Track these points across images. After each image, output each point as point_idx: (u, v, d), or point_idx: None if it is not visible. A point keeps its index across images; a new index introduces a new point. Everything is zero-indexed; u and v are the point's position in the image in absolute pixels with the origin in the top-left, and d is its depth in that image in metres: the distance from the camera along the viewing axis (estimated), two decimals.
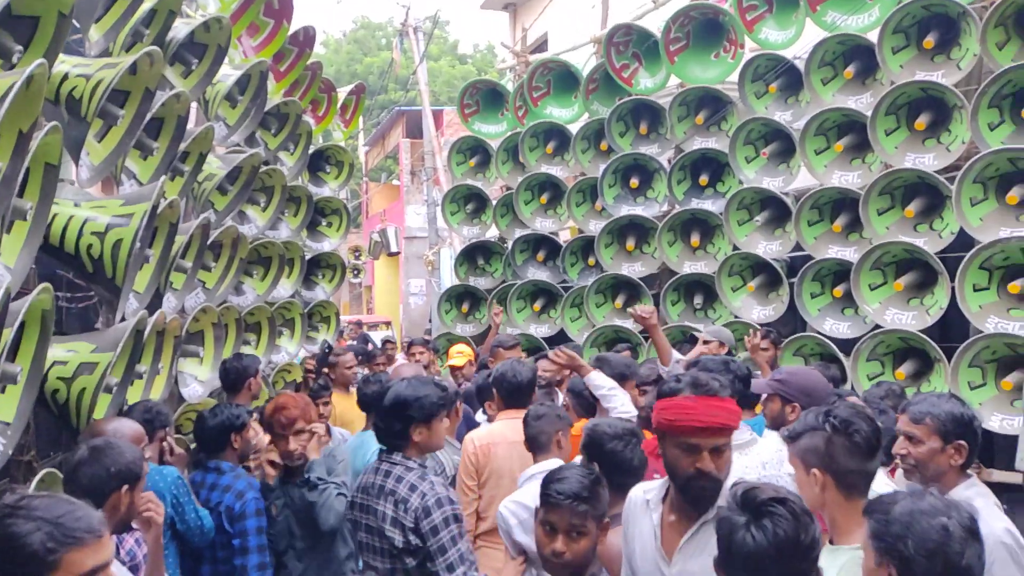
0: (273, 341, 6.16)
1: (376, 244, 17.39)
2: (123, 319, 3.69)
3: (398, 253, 16.68)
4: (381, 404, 2.77)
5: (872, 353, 5.18)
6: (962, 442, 2.19)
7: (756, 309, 6.09)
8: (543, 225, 7.67)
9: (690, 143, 6.53)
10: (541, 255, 7.67)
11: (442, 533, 2.56)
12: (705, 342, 5.61)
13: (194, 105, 4.84)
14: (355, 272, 26.34)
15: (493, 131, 8.29)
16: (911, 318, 5.03)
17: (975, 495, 2.18)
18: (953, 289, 4.67)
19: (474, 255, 8.30)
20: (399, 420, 2.70)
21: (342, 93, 7.86)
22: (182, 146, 4.19)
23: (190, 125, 4.37)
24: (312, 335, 7.89)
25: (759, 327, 5.91)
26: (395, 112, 22.08)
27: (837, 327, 5.52)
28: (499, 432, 3.64)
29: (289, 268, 7.12)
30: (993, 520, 2.10)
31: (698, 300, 6.54)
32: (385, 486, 2.68)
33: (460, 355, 6.27)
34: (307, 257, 7.69)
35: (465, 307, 8.32)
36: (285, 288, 7.10)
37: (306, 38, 6.17)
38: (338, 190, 8.23)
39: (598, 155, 7.23)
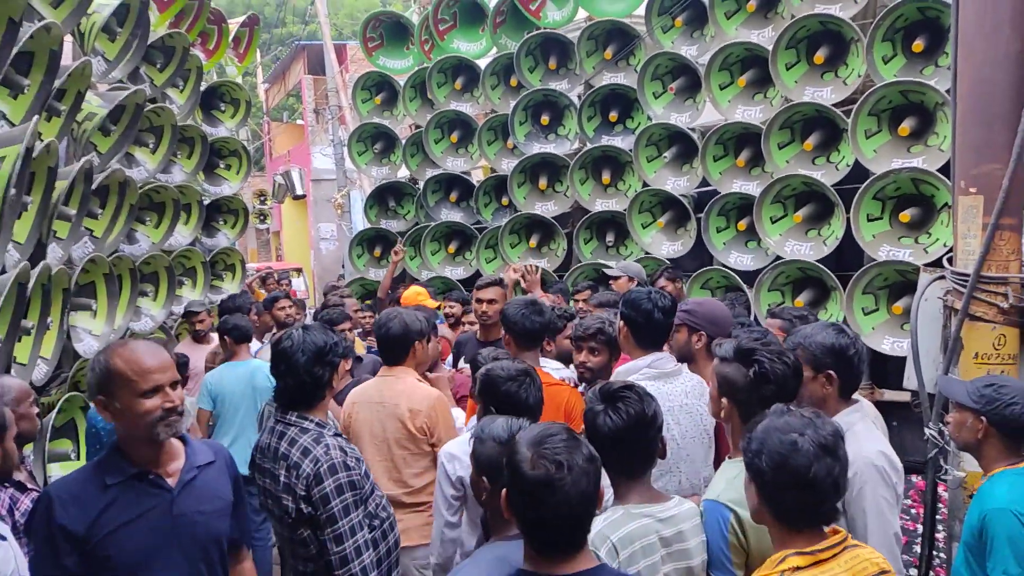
0: (173, 292, 5.89)
1: (280, 187, 16.73)
2: (3, 271, 3.43)
3: (304, 196, 16.11)
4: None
5: (773, 283, 5.39)
6: (831, 372, 2.28)
7: (666, 245, 6.22)
8: (455, 165, 7.54)
9: (599, 78, 6.49)
10: (454, 196, 7.56)
11: (333, 502, 2.38)
12: (614, 278, 5.73)
13: (68, 38, 4.44)
14: (261, 217, 25.44)
15: (399, 66, 8.02)
16: (809, 248, 5.24)
17: (857, 419, 2.30)
18: (848, 220, 4.87)
19: (384, 197, 8.10)
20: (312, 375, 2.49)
21: (234, 25, 7.41)
22: (57, 83, 3.85)
23: (65, 60, 4.01)
24: (217, 284, 7.59)
25: (668, 262, 6.07)
26: (295, 47, 21.04)
27: (741, 259, 5.71)
28: (364, 392, 3.38)
29: (186, 214, 6.77)
30: (868, 443, 2.23)
31: (610, 238, 6.62)
32: (279, 449, 2.48)
33: (420, 296, 6.11)
34: (206, 202, 7.36)
35: (378, 251, 8.16)
36: (184, 235, 6.77)
37: None
38: (236, 130, 7.84)
39: (508, 91, 7.11)
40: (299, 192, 15.02)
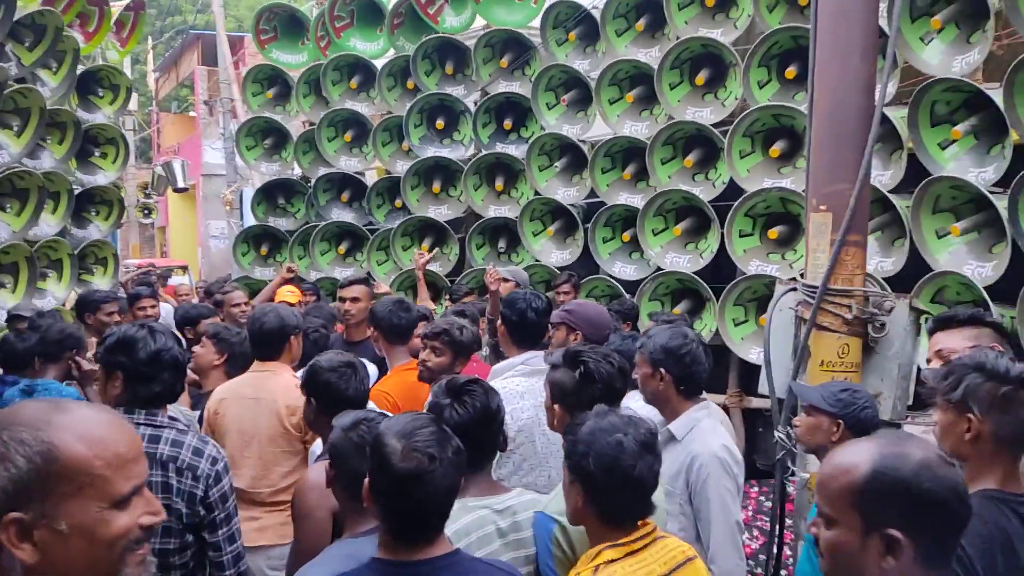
0: (33, 284, 5.50)
1: (160, 179, 15.90)
2: None
3: (186, 189, 15.35)
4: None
5: (654, 293, 5.59)
6: (662, 369, 2.41)
7: (555, 253, 6.33)
8: (348, 164, 7.41)
9: (495, 86, 6.56)
10: (346, 196, 7.43)
11: (229, 501, 2.30)
12: (504, 280, 5.78)
13: None
14: (145, 211, 24.14)
15: (293, 61, 7.81)
16: (687, 261, 5.47)
17: (703, 416, 2.43)
18: (723, 234, 5.12)
19: (274, 194, 7.86)
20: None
21: (117, 8, 7.02)
22: None
23: None
24: (86, 278, 7.14)
25: (558, 270, 6.19)
26: (189, 36, 20.16)
27: (625, 270, 5.89)
28: (235, 387, 3.27)
29: (54, 202, 6.36)
30: (712, 437, 2.37)
31: (502, 244, 6.69)
32: (157, 453, 2.22)
33: (291, 294, 5.89)
34: (79, 191, 6.92)
35: (264, 249, 7.91)
36: (51, 224, 6.34)
37: None
38: (115, 117, 7.42)
39: (405, 93, 7.06)
40: (180, 185, 14.29)
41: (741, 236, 5.16)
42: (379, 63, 7.14)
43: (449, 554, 1.64)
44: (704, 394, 2.54)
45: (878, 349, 2.81)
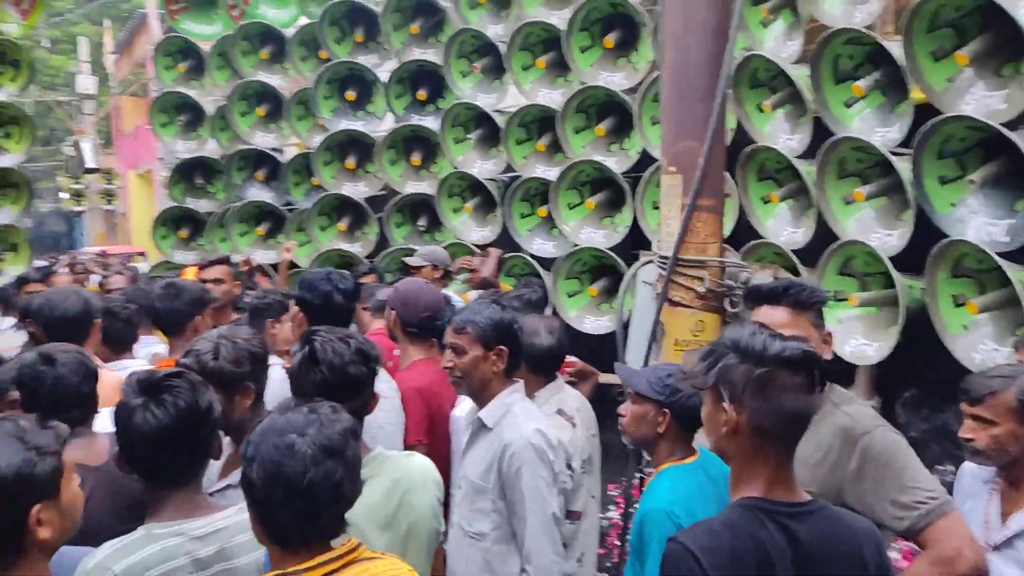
0: None
1: (71, 159, 15.43)
2: None
3: (97, 169, 14.83)
4: None
5: (570, 271, 5.29)
6: (502, 347, 2.11)
7: (475, 230, 6.01)
8: (264, 140, 7.04)
9: (408, 54, 6.19)
10: (261, 174, 7.07)
11: None
12: (416, 267, 5.45)
13: None
14: (107, 198, 23.67)
15: (208, 32, 7.40)
16: (603, 236, 5.16)
17: (517, 400, 2.15)
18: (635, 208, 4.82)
19: (191, 173, 7.49)
20: None
21: None
22: None
23: None
24: None
25: (477, 248, 5.87)
26: (139, 17, 19.53)
27: (544, 247, 5.58)
28: None
29: None
30: (526, 422, 2.09)
31: (422, 222, 6.36)
32: None
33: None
34: None
35: (184, 232, 7.56)
36: None
37: None
38: (18, 94, 7.04)
39: (320, 64, 6.67)
40: (90, 165, 13.81)
41: (655, 208, 4.85)
42: (292, 33, 6.76)
43: None
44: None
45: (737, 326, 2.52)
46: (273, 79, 6.94)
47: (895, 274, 3.46)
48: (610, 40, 4.95)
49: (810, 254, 4.04)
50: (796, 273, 4.11)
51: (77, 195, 18.56)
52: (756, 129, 4.37)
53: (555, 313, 5.36)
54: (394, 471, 1.97)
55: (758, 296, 1.98)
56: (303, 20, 6.82)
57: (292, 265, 6.78)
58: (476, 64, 5.80)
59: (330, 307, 2.55)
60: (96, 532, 1.61)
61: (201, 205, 7.48)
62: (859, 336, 3.66)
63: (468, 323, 2.17)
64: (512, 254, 5.67)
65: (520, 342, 2.19)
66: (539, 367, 2.62)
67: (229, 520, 1.70)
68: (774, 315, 1.91)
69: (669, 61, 2.49)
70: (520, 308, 3.67)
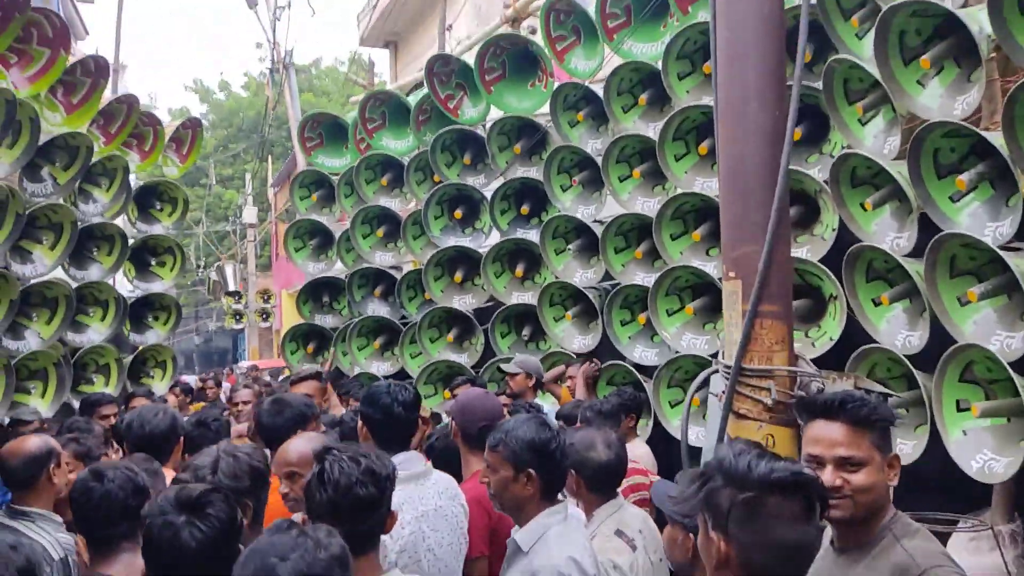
0: (64, 389, 5.78)
1: (215, 284, 16.91)
2: None
3: (238, 293, 16.17)
4: None
5: (672, 379, 5.11)
6: (532, 470, 2.02)
7: (577, 338, 6.00)
8: (383, 259, 7.48)
9: (513, 172, 6.46)
10: (379, 290, 7.46)
11: None
12: (511, 375, 5.48)
13: None
14: (264, 316, 25.73)
15: (338, 164, 8.10)
16: (704, 342, 4.98)
17: (555, 522, 2.02)
18: None
19: (319, 292, 8.02)
20: None
21: (170, 128, 7.62)
22: None
23: None
24: (146, 381, 7.49)
25: (576, 356, 5.84)
26: (293, 152, 21.84)
27: (646, 354, 5.46)
28: None
29: (103, 310, 6.78)
30: (557, 548, 1.96)
31: (526, 332, 6.43)
32: None
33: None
34: (134, 299, 7.38)
35: (311, 347, 8.03)
36: (98, 332, 6.73)
37: (98, 68, 5.93)
38: (171, 228, 7.93)
39: (433, 187, 7.10)
40: (231, 288, 15.07)
41: None
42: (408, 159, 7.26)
43: None
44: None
45: None
46: (392, 203, 7.43)
47: (1018, 380, 3.08)
48: (704, 147, 4.95)
49: (929, 360, 3.69)
50: (913, 381, 3.76)
51: (237, 314, 20.31)
52: (861, 228, 4.15)
53: (657, 423, 5.17)
54: None
55: (812, 409, 1.81)
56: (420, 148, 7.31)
57: (402, 375, 7.02)
58: (575, 178, 5.95)
59: (391, 419, 2.56)
60: None
61: (327, 320, 7.96)
62: (987, 451, 3.24)
63: (501, 442, 2.11)
64: (612, 362, 5.57)
65: (558, 462, 2.08)
66: (595, 484, 2.48)
67: None
68: (830, 431, 1.73)
69: (724, 166, 2.45)
70: (592, 419, 3.57)
